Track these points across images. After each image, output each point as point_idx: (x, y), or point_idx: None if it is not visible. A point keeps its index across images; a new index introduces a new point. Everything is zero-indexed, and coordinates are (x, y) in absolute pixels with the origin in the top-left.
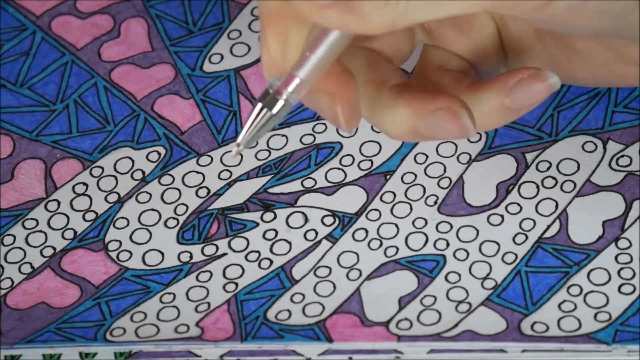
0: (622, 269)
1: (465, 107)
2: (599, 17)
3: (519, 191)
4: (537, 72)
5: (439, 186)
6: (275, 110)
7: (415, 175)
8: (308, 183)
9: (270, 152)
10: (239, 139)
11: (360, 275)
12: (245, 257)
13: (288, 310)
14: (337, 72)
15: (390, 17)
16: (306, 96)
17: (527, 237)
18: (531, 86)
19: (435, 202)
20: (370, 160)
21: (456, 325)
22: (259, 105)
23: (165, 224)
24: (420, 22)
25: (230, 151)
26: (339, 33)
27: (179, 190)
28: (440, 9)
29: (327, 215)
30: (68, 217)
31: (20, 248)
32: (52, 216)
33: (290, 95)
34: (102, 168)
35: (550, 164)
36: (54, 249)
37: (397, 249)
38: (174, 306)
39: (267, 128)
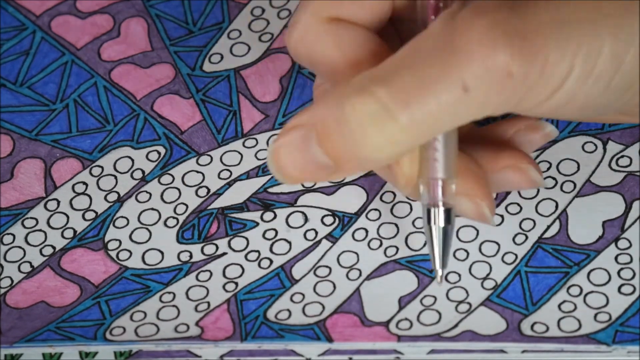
0: (622, 269)
1: (532, 163)
2: (584, 111)
3: (518, 191)
4: (533, 123)
5: None
6: (450, 221)
7: None
8: (308, 183)
9: None
10: (437, 266)
11: (360, 275)
12: (245, 256)
13: (288, 310)
14: (464, 168)
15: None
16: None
17: (527, 237)
18: (528, 136)
19: None
20: None
21: (456, 325)
22: (437, 227)
23: (165, 224)
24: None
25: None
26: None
27: (178, 189)
28: (444, 124)
29: (327, 215)
30: (68, 216)
31: (19, 247)
32: (51, 215)
33: (448, 199)
34: (102, 167)
35: (550, 164)
36: (54, 248)
37: (397, 248)
38: (173, 305)
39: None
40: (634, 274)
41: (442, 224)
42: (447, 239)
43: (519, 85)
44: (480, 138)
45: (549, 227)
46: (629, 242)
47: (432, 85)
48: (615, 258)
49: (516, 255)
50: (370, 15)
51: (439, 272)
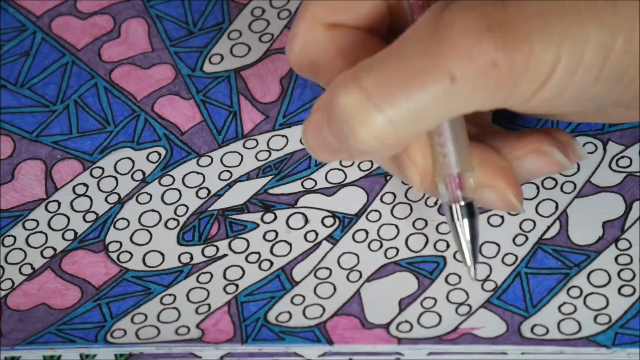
0: (622, 270)
1: (554, 144)
2: (576, 102)
3: None
4: (565, 137)
5: None
6: (474, 214)
7: None
8: (308, 184)
9: (270, 153)
10: (468, 262)
11: (361, 276)
12: (246, 258)
13: (288, 312)
14: (484, 159)
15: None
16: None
17: (527, 238)
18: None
19: (436, 203)
20: (371, 161)
21: (456, 328)
22: (460, 223)
23: (165, 225)
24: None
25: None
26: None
27: (179, 191)
28: (431, 118)
29: (328, 216)
30: (68, 218)
31: (20, 249)
32: (52, 217)
33: (468, 192)
34: (103, 169)
35: None
36: (55, 249)
37: (397, 250)
38: (174, 308)
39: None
40: (634, 275)
41: (465, 218)
42: (473, 233)
43: (505, 76)
44: (501, 132)
45: (549, 227)
46: (629, 242)
47: (419, 75)
48: (616, 259)
49: (516, 257)
50: (366, 19)
51: (472, 268)
